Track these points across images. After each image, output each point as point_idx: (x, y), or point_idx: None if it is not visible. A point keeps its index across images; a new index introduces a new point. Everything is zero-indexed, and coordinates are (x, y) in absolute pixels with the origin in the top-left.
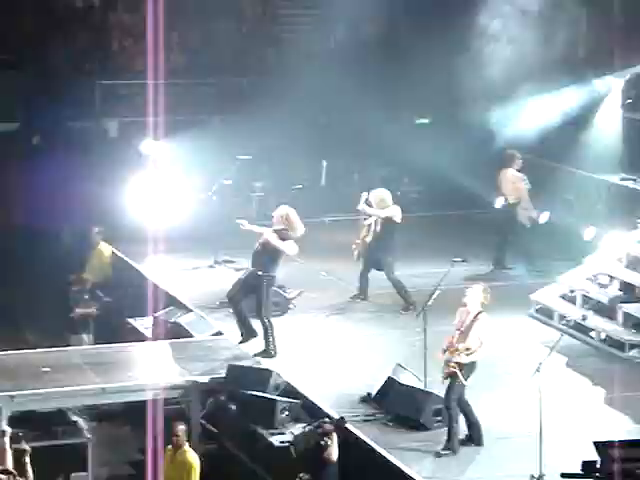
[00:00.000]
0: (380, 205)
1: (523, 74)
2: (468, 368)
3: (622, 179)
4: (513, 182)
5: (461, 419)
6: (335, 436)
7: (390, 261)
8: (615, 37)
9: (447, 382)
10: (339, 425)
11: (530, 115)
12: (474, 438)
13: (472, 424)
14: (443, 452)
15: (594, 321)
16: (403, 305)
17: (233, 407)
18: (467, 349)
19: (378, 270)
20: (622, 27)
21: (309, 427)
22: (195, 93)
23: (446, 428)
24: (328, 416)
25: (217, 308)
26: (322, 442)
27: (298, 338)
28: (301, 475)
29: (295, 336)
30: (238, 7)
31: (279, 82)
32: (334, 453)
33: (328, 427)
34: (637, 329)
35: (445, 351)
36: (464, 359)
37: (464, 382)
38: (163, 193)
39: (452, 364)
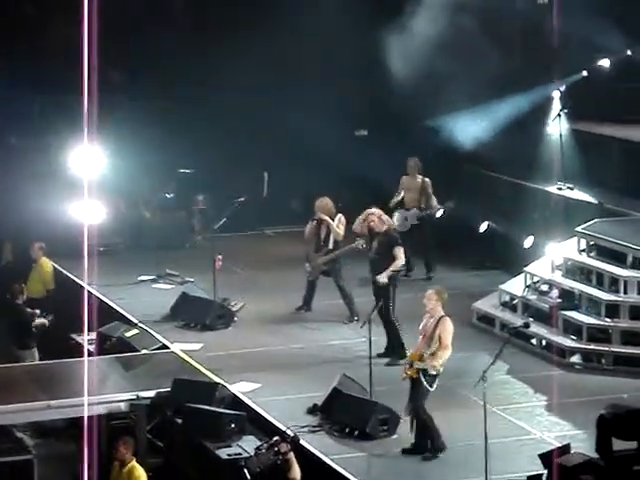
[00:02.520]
0: (328, 212)
1: (461, 86)
2: (432, 375)
3: (559, 188)
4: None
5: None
6: (292, 455)
7: (338, 267)
8: (553, 47)
9: (409, 390)
10: (295, 443)
11: (468, 126)
12: (420, 446)
13: (425, 433)
14: (433, 455)
15: (535, 328)
16: (347, 315)
17: (179, 421)
18: (432, 354)
19: (326, 276)
20: (559, 37)
21: (262, 447)
22: (134, 107)
23: (412, 434)
24: (281, 434)
25: (161, 322)
26: (278, 462)
27: (243, 350)
28: None
29: (240, 348)
30: (171, 18)
31: (217, 94)
32: (298, 473)
33: (284, 447)
34: (577, 335)
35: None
36: (429, 365)
37: (429, 388)
38: (104, 208)
39: (413, 369)
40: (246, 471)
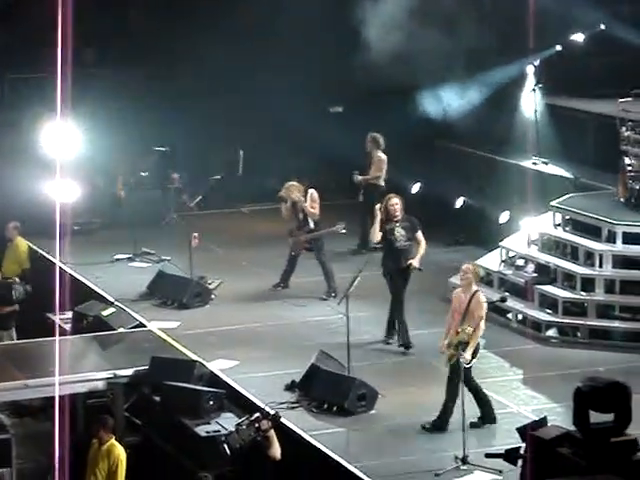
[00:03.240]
0: (297, 194)
1: (436, 61)
2: (474, 349)
3: (534, 163)
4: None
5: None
6: (273, 433)
7: (320, 244)
8: (527, 22)
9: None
10: (275, 421)
11: (443, 101)
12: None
13: (450, 407)
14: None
15: (511, 303)
16: (325, 291)
17: (157, 399)
18: (471, 328)
19: (308, 251)
20: (534, 12)
21: (243, 423)
22: (107, 85)
23: (440, 408)
24: (262, 411)
25: (138, 300)
26: (258, 438)
27: (220, 328)
28: (202, 475)
29: (217, 326)
30: None
31: (194, 72)
32: (278, 451)
33: (265, 425)
34: (553, 309)
35: (446, 337)
36: (470, 337)
37: (469, 362)
38: (79, 187)
39: (452, 349)
40: (226, 446)
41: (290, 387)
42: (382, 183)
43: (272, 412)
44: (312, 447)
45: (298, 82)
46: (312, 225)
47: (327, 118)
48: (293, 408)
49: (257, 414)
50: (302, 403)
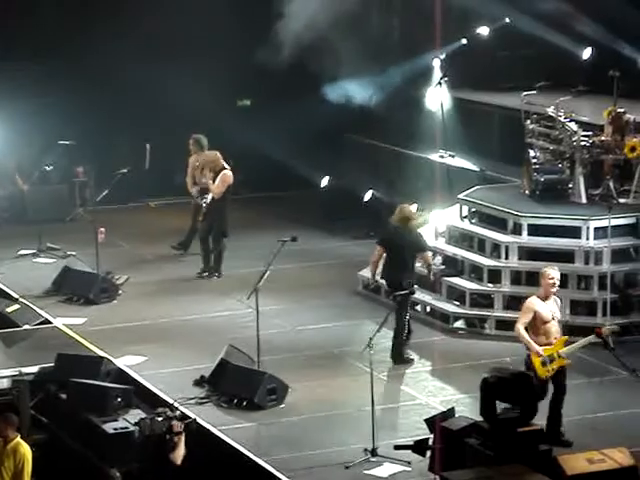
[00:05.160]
0: (214, 164)
1: (345, 55)
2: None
3: (441, 156)
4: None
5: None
6: (183, 438)
7: (222, 220)
8: (434, 16)
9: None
10: (189, 428)
11: (352, 95)
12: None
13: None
14: None
15: (419, 295)
16: (201, 267)
17: (64, 396)
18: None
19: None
20: (439, 5)
21: (161, 414)
22: (9, 77)
23: None
24: (181, 414)
25: (43, 296)
26: (167, 436)
27: (128, 323)
28: (110, 472)
29: (125, 321)
30: None
31: (100, 66)
32: (180, 456)
33: (178, 427)
34: (460, 301)
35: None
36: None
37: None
38: None
39: (562, 358)
40: (137, 429)
41: (199, 382)
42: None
43: (190, 419)
44: (222, 442)
45: (206, 75)
46: (208, 198)
47: (235, 111)
48: (202, 403)
49: (177, 412)
50: (211, 398)
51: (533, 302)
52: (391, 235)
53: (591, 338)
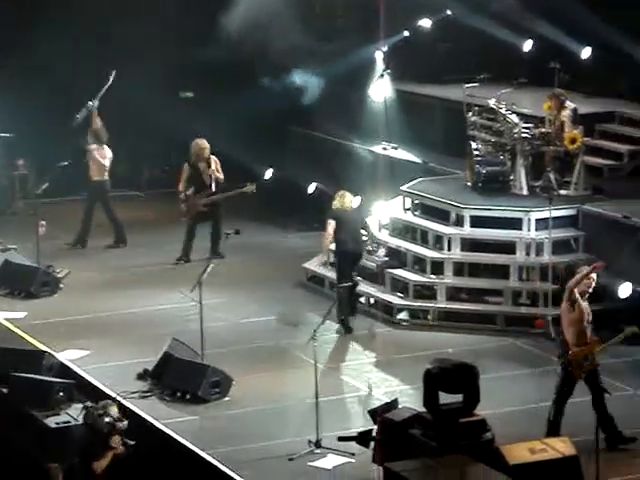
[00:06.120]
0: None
1: (288, 48)
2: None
3: (384, 148)
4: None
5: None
6: (112, 454)
7: (221, 212)
8: (376, 8)
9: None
10: (125, 446)
11: (294, 88)
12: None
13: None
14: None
15: (363, 287)
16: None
17: (5, 390)
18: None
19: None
20: None
21: (111, 415)
22: None
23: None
24: (122, 429)
25: None
26: (101, 439)
27: (70, 317)
28: (52, 466)
29: (66, 315)
30: None
31: (42, 58)
32: (102, 467)
33: (117, 440)
34: (404, 293)
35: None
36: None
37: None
38: None
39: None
40: (81, 415)
41: (142, 376)
42: (106, 177)
43: (129, 443)
44: (165, 435)
45: (149, 67)
46: (214, 189)
47: (178, 103)
48: (146, 397)
49: (125, 422)
50: (155, 392)
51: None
52: (337, 213)
53: (622, 336)
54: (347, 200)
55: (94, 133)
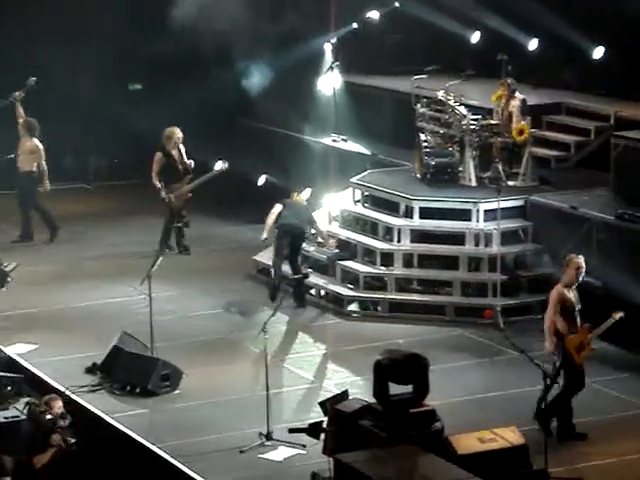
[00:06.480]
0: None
1: (237, 40)
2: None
3: (334, 140)
4: (32, 152)
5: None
6: (53, 451)
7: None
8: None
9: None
10: (68, 444)
11: (243, 80)
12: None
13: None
14: None
15: (314, 279)
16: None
17: None
18: None
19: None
20: None
21: (49, 413)
22: None
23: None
24: (64, 428)
25: None
26: (43, 436)
27: (18, 311)
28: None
29: (15, 309)
30: None
31: None
32: (41, 463)
33: (57, 439)
34: (354, 284)
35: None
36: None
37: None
38: None
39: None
40: (27, 407)
41: (91, 370)
42: (36, 169)
43: (71, 440)
44: (114, 429)
45: (96, 59)
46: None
47: (126, 95)
48: (95, 391)
49: (68, 422)
50: (104, 385)
51: (563, 291)
52: (286, 201)
53: (611, 320)
54: (301, 197)
55: (25, 125)
